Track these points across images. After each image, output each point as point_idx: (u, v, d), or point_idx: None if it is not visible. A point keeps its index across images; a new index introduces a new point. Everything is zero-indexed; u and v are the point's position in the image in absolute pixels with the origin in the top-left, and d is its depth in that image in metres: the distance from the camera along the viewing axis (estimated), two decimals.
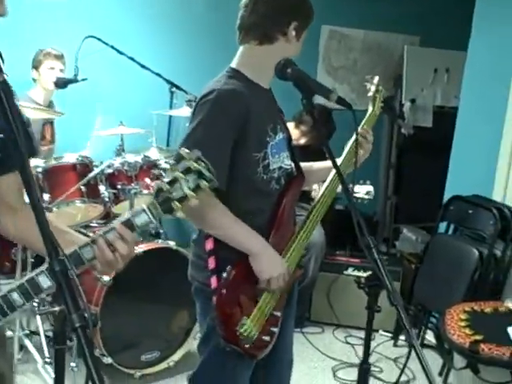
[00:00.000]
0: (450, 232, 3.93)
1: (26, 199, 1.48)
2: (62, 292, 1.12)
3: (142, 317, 3.14)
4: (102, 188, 3.36)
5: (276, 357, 2.16)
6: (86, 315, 1.10)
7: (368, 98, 2.31)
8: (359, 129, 2.14)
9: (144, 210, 1.32)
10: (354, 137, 1.93)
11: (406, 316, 1.58)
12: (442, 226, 3.95)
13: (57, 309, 1.21)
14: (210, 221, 1.87)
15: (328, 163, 2.02)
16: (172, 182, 1.30)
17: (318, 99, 1.89)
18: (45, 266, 1.25)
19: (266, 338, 1.96)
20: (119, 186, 3.38)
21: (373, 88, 2.28)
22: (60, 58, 3.97)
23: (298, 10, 1.93)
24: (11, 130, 1.22)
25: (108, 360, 2.92)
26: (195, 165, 1.29)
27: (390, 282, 1.61)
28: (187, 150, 1.31)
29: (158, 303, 3.18)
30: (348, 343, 3.87)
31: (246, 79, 1.92)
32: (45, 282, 1.25)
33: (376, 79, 2.29)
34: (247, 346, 1.88)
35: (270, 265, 1.89)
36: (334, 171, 2.07)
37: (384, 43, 5.75)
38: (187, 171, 1.29)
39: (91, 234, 3.46)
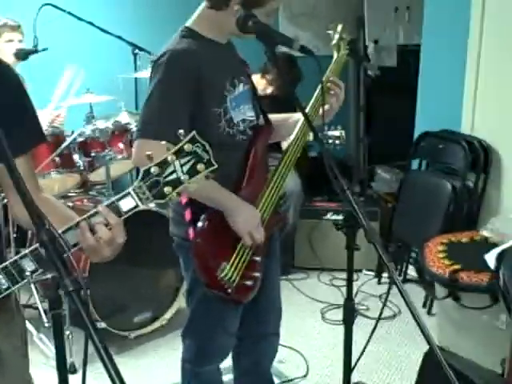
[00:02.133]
0: (423, 168, 4.01)
1: (36, 184, 1.53)
2: (52, 259, 1.13)
3: (130, 280, 3.18)
4: (76, 157, 3.36)
5: (265, 305, 2.25)
6: (78, 279, 1.12)
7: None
8: (325, 76, 2.15)
9: (129, 194, 1.25)
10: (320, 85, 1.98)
11: (385, 252, 1.65)
12: (415, 163, 4.02)
13: (49, 276, 1.19)
14: None
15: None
16: (162, 165, 1.22)
17: (282, 48, 1.91)
18: (28, 249, 1.25)
19: (249, 283, 2.03)
20: (93, 154, 3.39)
21: (336, 36, 2.27)
22: (17, 28, 3.87)
23: None
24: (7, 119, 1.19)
25: (101, 325, 2.98)
26: (190, 146, 1.21)
27: (366, 222, 1.66)
28: (181, 131, 1.22)
29: (144, 265, 3.23)
30: (333, 285, 3.97)
31: (199, 36, 1.94)
32: (29, 265, 1.25)
33: (339, 27, 2.29)
34: (229, 290, 1.95)
35: (246, 220, 1.95)
36: (302, 119, 2.11)
37: None
38: (181, 153, 1.21)
39: (70, 204, 3.46)
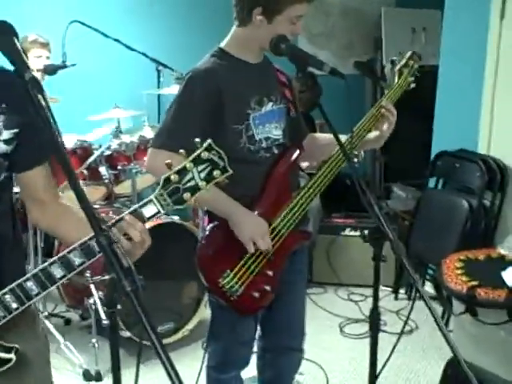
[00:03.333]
0: (440, 187, 4.07)
1: (55, 193, 1.58)
2: (111, 262, 1.19)
3: (154, 291, 3.24)
4: (102, 170, 3.46)
5: (287, 321, 2.28)
6: (135, 280, 1.18)
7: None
8: (381, 101, 2.19)
9: (152, 201, 1.31)
10: (372, 109, 2.06)
11: (410, 264, 1.71)
12: (431, 182, 4.08)
13: (107, 277, 1.26)
14: None
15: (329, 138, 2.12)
16: (181, 172, 1.28)
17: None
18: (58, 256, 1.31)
19: (255, 294, 2.04)
20: (119, 167, 3.48)
21: (402, 62, 2.26)
22: (46, 45, 4.00)
23: None
24: (45, 126, 1.22)
25: (126, 333, 3.04)
26: (206, 153, 1.27)
27: (392, 234, 1.74)
28: (197, 139, 1.28)
29: (167, 277, 3.29)
30: (351, 300, 4.02)
31: (228, 56, 2.04)
32: (58, 272, 1.32)
33: (409, 53, 2.27)
34: (232, 298, 1.98)
35: (249, 227, 1.98)
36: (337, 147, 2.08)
37: (360, 6, 5.83)
38: (197, 160, 1.27)
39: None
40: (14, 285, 1.33)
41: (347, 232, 4.22)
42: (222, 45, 2.08)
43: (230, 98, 1.97)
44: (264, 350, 2.35)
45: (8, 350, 1.41)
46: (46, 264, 1.33)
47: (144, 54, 4.06)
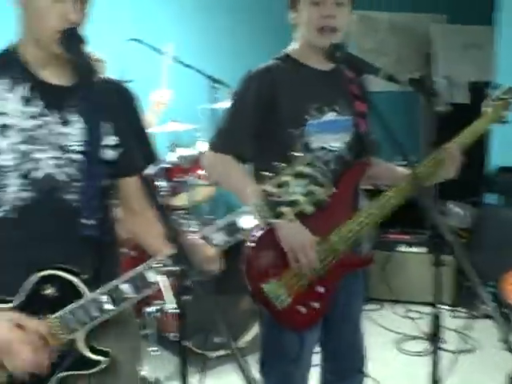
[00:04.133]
0: (498, 203, 3.98)
1: (146, 204, 1.58)
2: (183, 255, 1.26)
3: (210, 304, 3.24)
4: (159, 182, 3.49)
5: (346, 343, 2.20)
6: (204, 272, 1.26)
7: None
8: (456, 141, 2.20)
9: (249, 212, 1.32)
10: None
11: (471, 269, 1.64)
12: (489, 198, 4.00)
13: (177, 268, 1.29)
14: (229, 186, 2.04)
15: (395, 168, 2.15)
16: (280, 186, 1.26)
17: None
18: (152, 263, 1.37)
19: (302, 310, 1.97)
20: (176, 179, 3.52)
21: (497, 93, 2.16)
22: (102, 62, 4.08)
23: None
24: (131, 136, 1.32)
25: (185, 343, 3.04)
26: (308, 168, 1.25)
27: (453, 239, 1.71)
28: (299, 153, 1.26)
29: (225, 290, 3.29)
30: (408, 317, 3.95)
31: (292, 60, 2.03)
32: (152, 276, 1.37)
33: (506, 87, 2.16)
34: (276, 308, 1.92)
35: (291, 236, 1.92)
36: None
37: (410, 23, 5.81)
38: (298, 175, 1.25)
39: None
40: (110, 286, 1.38)
41: (403, 248, 4.17)
42: (288, 50, 2.08)
43: (286, 99, 1.95)
44: (327, 374, 2.29)
45: (100, 353, 1.44)
46: (142, 268, 1.38)
47: (199, 71, 4.10)
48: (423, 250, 4.11)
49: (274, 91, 1.94)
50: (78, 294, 1.41)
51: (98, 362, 1.43)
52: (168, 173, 3.55)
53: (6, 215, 1.44)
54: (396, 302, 4.14)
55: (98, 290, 1.39)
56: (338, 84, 2.08)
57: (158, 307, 3.12)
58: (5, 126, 1.44)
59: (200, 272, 1.25)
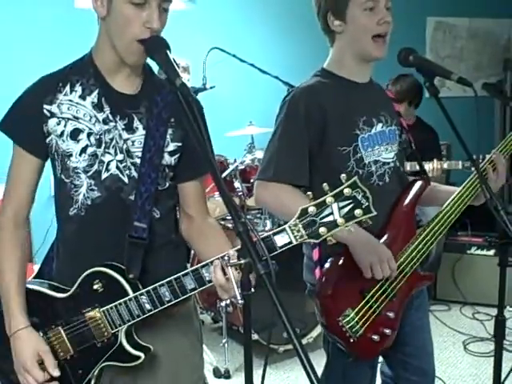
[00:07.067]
0: None
1: (203, 211, 1.68)
2: (247, 247, 1.23)
3: (277, 298, 3.40)
4: (236, 183, 3.71)
5: (417, 362, 2.10)
6: (268, 263, 1.21)
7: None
8: (497, 151, 2.10)
9: (285, 230, 1.30)
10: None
11: None
12: None
13: (243, 261, 1.29)
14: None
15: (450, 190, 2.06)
16: (319, 205, 1.25)
17: None
18: (190, 269, 1.42)
19: (375, 338, 1.88)
20: (252, 181, 3.72)
21: None
22: (187, 69, 4.36)
23: (325, 1, 1.91)
24: (197, 139, 1.30)
25: (254, 336, 3.22)
26: (349, 190, 1.24)
27: None
28: (343, 175, 1.25)
29: (293, 289, 3.44)
30: (476, 319, 3.99)
31: (331, 75, 1.94)
32: (190, 283, 1.42)
33: None
34: (351, 340, 1.84)
35: (367, 251, 1.82)
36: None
37: (490, 28, 5.77)
38: (340, 196, 1.24)
39: (229, 225, 3.75)
40: (149, 288, 1.46)
41: (473, 250, 4.21)
42: (324, 65, 1.99)
43: (335, 117, 1.87)
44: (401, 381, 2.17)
45: (141, 349, 1.51)
46: (180, 274, 1.44)
47: (277, 78, 4.27)
48: (492, 252, 4.15)
49: (323, 109, 1.85)
50: (123, 292, 1.49)
51: (137, 357, 1.50)
52: (244, 174, 3.76)
53: (77, 213, 1.55)
54: (464, 303, 4.19)
55: (140, 291, 1.47)
56: (378, 94, 2.06)
57: (229, 301, 3.29)
58: (77, 130, 1.53)
59: (267, 266, 1.20)
